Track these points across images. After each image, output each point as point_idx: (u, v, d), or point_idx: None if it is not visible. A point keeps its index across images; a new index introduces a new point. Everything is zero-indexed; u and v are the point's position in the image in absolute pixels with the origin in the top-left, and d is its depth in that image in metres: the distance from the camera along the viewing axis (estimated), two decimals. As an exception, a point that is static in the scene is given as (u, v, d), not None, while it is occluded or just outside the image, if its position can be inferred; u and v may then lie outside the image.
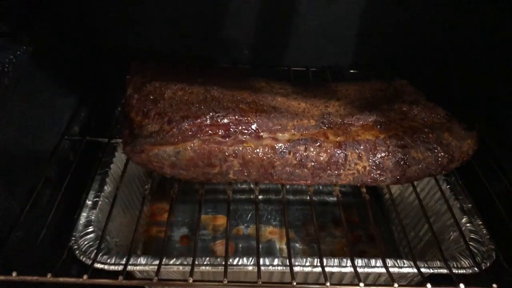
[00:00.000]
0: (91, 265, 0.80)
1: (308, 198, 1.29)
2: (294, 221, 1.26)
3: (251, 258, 0.91)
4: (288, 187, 1.32)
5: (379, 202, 1.32)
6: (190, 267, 0.82)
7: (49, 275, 0.73)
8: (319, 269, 0.87)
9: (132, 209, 1.16)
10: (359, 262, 0.89)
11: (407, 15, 1.24)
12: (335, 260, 0.90)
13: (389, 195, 0.99)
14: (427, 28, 1.26)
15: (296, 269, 0.87)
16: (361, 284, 0.78)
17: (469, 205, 1.03)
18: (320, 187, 1.36)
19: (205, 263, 0.88)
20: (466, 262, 0.90)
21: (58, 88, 0.99)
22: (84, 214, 0.95)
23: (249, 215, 1.27)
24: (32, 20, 0.86)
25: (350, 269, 0.88)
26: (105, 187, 1.03)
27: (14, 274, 0.72)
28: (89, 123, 1.17)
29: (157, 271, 0.79)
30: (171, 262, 0.85)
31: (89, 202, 0.98)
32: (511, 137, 1.00)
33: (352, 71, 1.35)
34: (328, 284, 0.79)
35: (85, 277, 0.74)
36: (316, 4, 1.23)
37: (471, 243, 0.94)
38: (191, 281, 0.77)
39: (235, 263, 0.89)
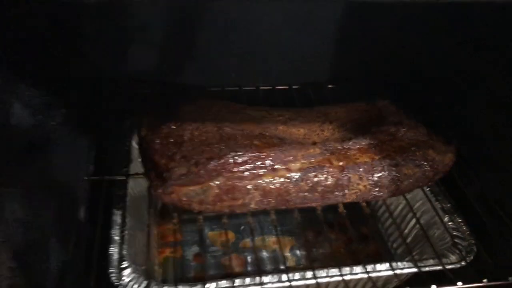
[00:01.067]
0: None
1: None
2: (293, 229, 1.39)
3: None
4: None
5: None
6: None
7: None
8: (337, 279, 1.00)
9: (143, 231, 1.25)
10: (368, 267, 1.02)
11: (382, 29, 1.39)
12: (347, 269, 1.03)
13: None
14: (401, 40, 1.41)
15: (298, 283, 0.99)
16: (379, 292, 0.92)
17: (449, 205, 1.19)
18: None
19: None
20: (454, 257, 1.07)
21: (76, 135, 1.06)
22: (116, 250, 1.03)
23: (253, 227, 1.38)
24: (66, 85, 0.93)
25: (362, 276, 1.01)
26: (126, 221, 1.11)
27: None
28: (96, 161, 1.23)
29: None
30: None
31: (116, 238, 1.07)
32: (484, 146, 1.17)
33: (330, 86, 1.49)
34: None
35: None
36: (293, 27, 1.35)
37: (455, 239, 1.10)
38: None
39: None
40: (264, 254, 1.32)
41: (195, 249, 1.32)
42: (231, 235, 1.36)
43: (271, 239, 1.36)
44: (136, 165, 1.28)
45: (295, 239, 1.37)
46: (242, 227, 1.39)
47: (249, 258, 1.31)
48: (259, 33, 1.35)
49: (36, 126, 0.75)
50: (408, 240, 1.29)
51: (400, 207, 1.33)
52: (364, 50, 1.44)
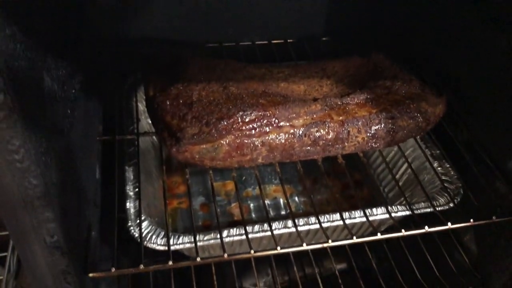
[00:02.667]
0: (168, 249, 0.97)
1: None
2: (291, 178, 1.48)
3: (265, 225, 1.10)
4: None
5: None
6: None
7: (141, 266, 0.90)
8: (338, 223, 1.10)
9: (153, 186, 1.32)
10: (363, 212, 1.12)
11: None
12: (347, 213, 1.12)
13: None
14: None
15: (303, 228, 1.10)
16: (379, 234, 1.02)
17: (438, 151, 1.28)
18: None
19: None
20: (443, 200, 1.17)
21: (90, 96, 1.10)
22: (132, 205, 1.11)
23: (253, 177, 1.47)
24: (81, 56, 0.95)
25: (361, 220, 1.11)
26: (140, 177, 1.17)
27: (113, 269, 0.89)
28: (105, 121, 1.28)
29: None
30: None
31: (131, 193, 1.13)
32: (470, 95, 1.25)
33: (324, 38, 1.53)
34: (330, 241, 1.01)
35: (170, 262, 0.92)
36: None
37: (444, 183, 1.20)
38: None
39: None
40: (266, 202, 1.41)
41: (201, 199, 1.41)
42: (233, 185, 1.44)
43: (272, 188, 1.45)
44: (142, 124, 1.33)
45: (294, 187, 1.46)
46: (244, 177, 1.47)
47: (251, 206, 1.40)
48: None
49: (63, 97, 0.79)
50: (400, 184, 1.39)
51: (391, 154, 1.43)
52: (358, 2, 1.47)
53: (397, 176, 1.40)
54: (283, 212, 1.40)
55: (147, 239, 1.05)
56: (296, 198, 1.43)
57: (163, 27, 1.42)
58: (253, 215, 1.38)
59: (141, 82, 1.35)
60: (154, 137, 1.37)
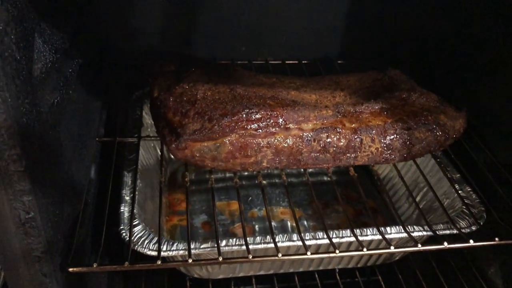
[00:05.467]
0: (159, 253, 0.89)
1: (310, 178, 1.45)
2: (301, 201, 1.39)
3: (268, 237, 1.02)
4: (288, 170, 1.44)
5: (370, 178, 1.48)
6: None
7: (126, 263, 0.82)
8: (349, 239, 1.00)
9: (154, 200, 1.25)
10: (377, 230, 1.02)
11: (389, 5, 1.40)
12: (358, 230, 1.03)
13: (396, 171, 1.13)
14: (407, 16, 1.42)
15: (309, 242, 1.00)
16: (392, 247, 0.92)
17: (458, 175, 1.20)
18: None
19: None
20: (464, 223, 1.07)
21: (90, 95, 1.06)
22: (125, 209, 1.04)
23: (260, 198, 1.39)
24: (79, 36, 0.93)
25: (373, 237, 1.01)
26: (137, 182, 1.11)
27: (95, 265, 0.81)
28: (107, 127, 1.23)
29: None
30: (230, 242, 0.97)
31: (127, 198, 1.07)
32: (491, 112, 1.17)
33: (340, 61, 1.49)
34: (337, 251, 0.92)
35: (158, 262, 0.84)
36: (306, 2, 1.36)
37: (465, 207, 1.10)
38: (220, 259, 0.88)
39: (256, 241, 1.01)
40: (273, 223, 1.32)
41: (203, 217, 1.33)
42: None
43: (279, 210, 1.37)
44: (146, 132, 1.28)
45: (303, 210, 1.37)
46: (250, 198, 1.39)
47: (257, 227, 1.31)
48: (270, 7, 1.36)
49: (55, 66, 0.75)
50: (417, 211, 1.29)
51: (408, 181, 1.33)
52: (375, 25, 1.45)
53: (414, 204, 1.30)
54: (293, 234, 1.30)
55: (139, 243, 0.97)
56: (305, 222, 1.34)
57: (175, 41, 1.40)
58: (258, 237, 1.28)
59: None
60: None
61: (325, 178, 1.47)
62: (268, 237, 1.01)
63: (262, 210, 1.35)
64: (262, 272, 1.21)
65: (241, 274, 1.20)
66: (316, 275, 1.23)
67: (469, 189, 1.15)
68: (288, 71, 1.41)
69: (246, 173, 1.46)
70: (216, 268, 1.14)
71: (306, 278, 1.25)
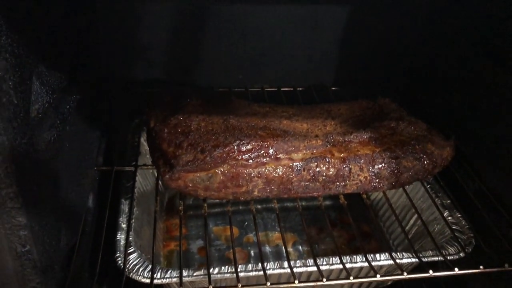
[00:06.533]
0: (151, 281, 0.92)
1: (303, 204, 1.48)
2: (296, 226, 1.42)
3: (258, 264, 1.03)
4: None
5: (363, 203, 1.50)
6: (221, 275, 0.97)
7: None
8: (337, 266, 1.02)
9: (151, 226, 1.28)
10: (369, 257, 1.04)
11: (382, 35, 1.44)
12: (347, 257, 1.05)
13: (385, 198, 1.15)
14: (399, 46, 1.46)
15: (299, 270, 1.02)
16: (378, 276, 0.94)
17: (448, 201, 1.22)
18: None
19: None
20: (453, 249, 1.09)
21: (88, 127, 1.10)
22: (122, 236, 1.07)
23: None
24: (77, 73, 0.97)
25: (362, 264, 1.03)
26: (134, 210, 1.14)
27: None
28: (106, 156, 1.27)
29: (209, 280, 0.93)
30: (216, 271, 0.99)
31: (123, 225, 1.10)
32: (481, 141, 1.20)
33: (334, 88, 1.53)
34: (324, 280, 0.93)
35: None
36: (301, 32, 1.41)
37: (454, 233, 1.12)
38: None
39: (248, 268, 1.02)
40: (267, 249, 1.35)
41: (199, 242, 1.35)
42: (235, 230, 1.39)
43: (274, 235, 1.39)
44: (144, 160, 1.32)
45: (298, 235, 1.39)
46: (246, 223, 1.42)
47: (252, 253, 1.33)
48: (266, 36, 1.41)
49: (52, 105, 0.79)
50: (409, 236, 1.31)
51: (401, 206, 1.36)
52: (368, 54, 1.49)
53: (407, 228, 1.33)
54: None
55: (133, 271, 0.99)
56: (300, 247, 1.36)
57: (173, 69, 1.45)
58: (252, 262, 1.31)
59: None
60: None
61: (319, 203, 1.49)
62: (259, 265, 1.03)
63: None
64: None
65: (235, 300, 1.22)
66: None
67: (459, 215, 1.18)
68: (283, 98, 1.44)
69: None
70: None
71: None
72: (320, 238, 1.39)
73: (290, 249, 1.35)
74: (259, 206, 1.47)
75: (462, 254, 1.06)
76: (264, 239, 1.37)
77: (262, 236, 1.38)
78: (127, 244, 1.04)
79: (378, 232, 1.42)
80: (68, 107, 0.89)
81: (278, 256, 1.33)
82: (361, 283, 1.24)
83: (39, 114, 0.73)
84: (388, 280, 1.16)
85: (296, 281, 0.92)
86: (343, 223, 1.44)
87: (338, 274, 1.11)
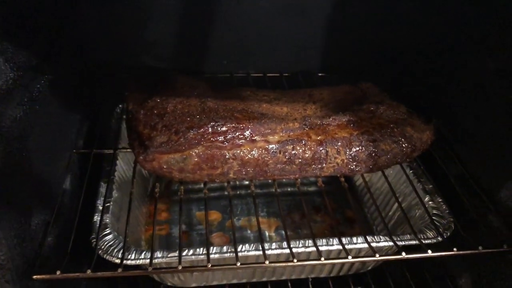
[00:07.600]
0: (121, 261, 0.92)
1: (289, 189, 1.48)
2: (279, 211, 1.41)
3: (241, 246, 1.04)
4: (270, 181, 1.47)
5: (350, 189, 1.49)
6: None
7: (88, 271, 0.85)
8: (312, 249, 1.02)
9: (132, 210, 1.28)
10: (343, 240, 1.04)
11: (370, 21, 1.42)
12: (323, 240, 1.05)
13: (363, 182, 1.15)
14: (387, 32, 1.44)
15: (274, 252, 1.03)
16: (349, 257, 0.94)
17: (430, 186, 1.21)
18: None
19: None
20: (431, 234, 1.08)
21: (66, 108, 1.10)
22: (98, 218, 1.07)
23: (239, 208, 1.42)
24: (52, 52, 0.97)
25: (337, 247, 1.03)
26: (113, 193, 1.14)
27: (58, 272, 0.84)
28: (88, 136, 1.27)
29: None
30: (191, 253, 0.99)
31: (100, 207, 1.10)
32: (463, 127, 1.19)
33: (320, 74, 1.51)
34: (295, 260, 0.94)
35: (119, 270, 0.87)
36: (289, 18, 1.39)
37: (434, 217, 1.11)
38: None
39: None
40: (249, 233, 1.35)
41: (182, 227, 1.35)
42: (217, 215, 1.39)
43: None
44: (126, 144, 1.32)
45: (281, 221, 1.39)
46: (229, 208, 1.41)
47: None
48: (253, 22, 1.39)
49: (18, 82, 0.78)
50: (392, 221, 1.31)
51: (385, 191, 1.35)
52: (355, 40, 1.47)
53: (391, 213, 1.33)
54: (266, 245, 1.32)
55: (108, 251, 0.99)
56: (282, 232, 1.36)
57: (159, 55, 1.44)
58: (224, 247, 1.31)
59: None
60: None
61: (305, 188, 1.50)
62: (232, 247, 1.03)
63: (240, 220, 1.38)
64: (235, 281, 1.23)
65: (214, 283, 1.22)
66: (289, 284, 1.25)
67: (440, 200, 1.17)
68: (268, 84, 1.43)
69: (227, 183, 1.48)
70: (188, 277, 1.17)
71: (280, 286, 1.27)
72: (303, 223, 1.38)
73: (272, 234, 1.35)
74: (243, 192, 1.47)
75: (440, 238, 1.05)
76: (247, 224, 1.37)
77: (245, 221, 1.38)
78: (102, 226, 1.04)
79: (362, 217, 1.42)
80: (38, 86, 0.88)
81: (259, 241, 1.33)
82: (342, 267, 1.24)
83: (1, 91, 0.72)
84: (361, 262, 1.15)
85: (267, 261, 0.92)
86: (327, 209, 1.43)
87: (308, 256, 1.10)
